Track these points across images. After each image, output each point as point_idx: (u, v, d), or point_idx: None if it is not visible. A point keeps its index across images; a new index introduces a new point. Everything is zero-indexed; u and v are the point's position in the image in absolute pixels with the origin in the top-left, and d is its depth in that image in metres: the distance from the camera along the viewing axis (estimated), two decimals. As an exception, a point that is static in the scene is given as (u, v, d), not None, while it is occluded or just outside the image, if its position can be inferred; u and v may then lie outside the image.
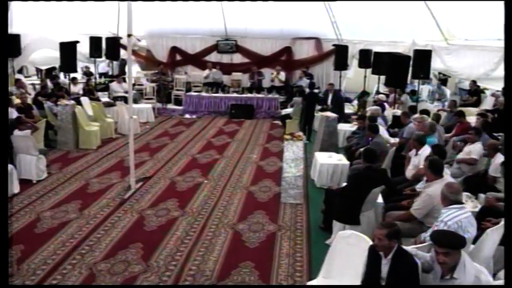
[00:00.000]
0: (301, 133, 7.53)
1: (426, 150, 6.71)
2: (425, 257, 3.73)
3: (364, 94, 14.91)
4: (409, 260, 3.60)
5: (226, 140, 11.67)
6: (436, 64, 13.07)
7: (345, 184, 6.51)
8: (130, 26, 7.36)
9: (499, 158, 6.58)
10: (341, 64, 14.93)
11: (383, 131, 8.45)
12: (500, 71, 13.11)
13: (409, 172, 6.82)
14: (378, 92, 14.10)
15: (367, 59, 14.54)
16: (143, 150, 10.46)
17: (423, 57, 11.81)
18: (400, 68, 11.43)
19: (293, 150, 7.34)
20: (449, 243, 3.39)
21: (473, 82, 13.71)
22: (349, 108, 14.05)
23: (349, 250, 4.21)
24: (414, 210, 5.12)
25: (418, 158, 6.73)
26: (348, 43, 15.25)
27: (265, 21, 15.59)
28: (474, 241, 4.47)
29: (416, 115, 9.45)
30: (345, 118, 12.08)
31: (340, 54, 14.90)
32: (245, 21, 15.96)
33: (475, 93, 13.43)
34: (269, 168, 9.25)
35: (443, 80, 16.27)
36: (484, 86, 13.88)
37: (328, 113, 9.96)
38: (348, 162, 8.16)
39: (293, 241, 6.01)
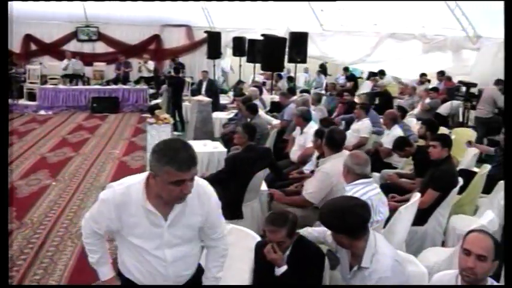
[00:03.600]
0: (167, 115, 6.23)
1: (312, 127, 5.85)
2: (326, 239, 2.83)
3: (239, 83, 14.03)
4: (311, 249, 2.78)
5: (85, 135, 9.92)
6: (312, 50, 12.65)
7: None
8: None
9: (396, 130, 6.00)
10: (214, 53, 13.88)
11: (262, 113, 7.49)
12: (376, 56, 13.14)
13: (294, 154, 5.93)
14: (253, 81, 13.34)
15: (241, 46, 13.69)
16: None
17: (299, 40, 11.22)
18: (277, 51, 10.67)
19: (159, 137, 6.03)
20: (340, 226, 2.44)
21: (345, 69, 13.61)
22: (224, 99, 13.06)
23: (230, 250, 3.07)
24: (308, 194, 4.16)
25: (304, 137, 5.86)
26: (220, 31, 14.27)
27: (130, 6, 13.88)
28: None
29: (295, 96, 8.76)
30: (220, 107, 11.07)
31: (212, 42, 13.84)
32: (108, 6, 14.02)
33: (351, 78, 13.22)
34: (134, 164, 7.82)
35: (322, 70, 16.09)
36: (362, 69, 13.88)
37: (200, 97, 8.80)
38: (225, 150, 7.07)
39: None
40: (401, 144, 5.04)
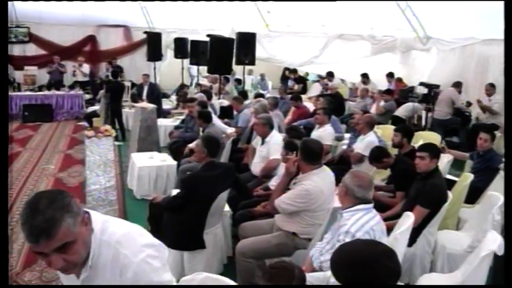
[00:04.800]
0: (109, 127, 5.41)
1: (274, 136, 5.26)
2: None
3: (183, 87, 13.23)
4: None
5: (16, 149, 8.76)
6: (258, 52, 12.11)
7: (175, 192, 4.64)
8: None
9: (371, 136, 5.52)
10: (154, 54, 12.98)
11: (217, 120, 6.80)
12: (324, 57, 12.80)
13: (256, 167, 5.29)
14: (198, 84, 12.64)
15: (183, 48, 12.91)
16: None
17: (247, 41, 10.62)
18: (224, 53, 10.02)
19: (99, 151, 5.23)
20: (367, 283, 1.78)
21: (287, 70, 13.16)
22: (167, 104, 12.24)
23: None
24: (282, 202, 3.55)
25: (266, 147, 5.24)
26: (160, 31, 13.41)
27: (63, 4, 12.66)
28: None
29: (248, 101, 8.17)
30: (163, 114, 10.27)
31: (152, 44, 12.92)
32: (39, 4, 12.69)
33: (300, 80, 12.78)
34: (71, 181, 6.85)
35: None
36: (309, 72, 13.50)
37: (144, 104, 7.96)
38: (174, 162, 6.33)
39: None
40: (378, 155, 4.50)
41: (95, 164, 5.19)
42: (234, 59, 10.55)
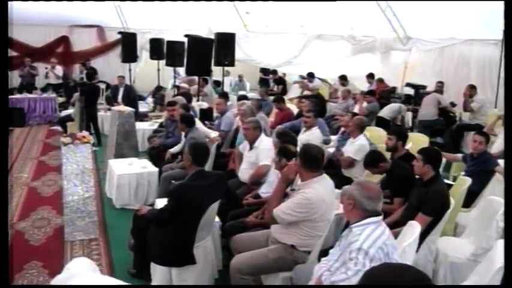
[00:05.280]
0: (86, 133, 5.07)
1: (264, 141, 5.02)
2: None
3: (159, 89, 12.87)
4: None
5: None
6: (236, 53, 11.86)
7: (160, 202, 4.37)
8: None
9: (362, 139, 5.34)
10: (129, 55, 12.57)
11: (200, 124, 6.52)
12: (303, 58, 12.64)
13: (244, 173, 5.04)
14: (175, 86, 12.29)
15: (159, 49, 12.53)
16: None
17: (226, 41, 10.34)
18: (203, 53, 9.72)
19: (77, 160, 4.88)
20: None
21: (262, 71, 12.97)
22: (144, 106, 11.90)
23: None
24: (281, 211, 3.31)
25: (255, 153, 4.99)
26: (135, 31, 13.00)
27: (35, 3, 12.12)
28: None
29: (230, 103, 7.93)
30: (140, 117, 9.95)
31: (127, 45, 12.50)
32: (9, 3, 12.14)
33: (280, 81, 12.58)
34: (46, 190, 6.48)
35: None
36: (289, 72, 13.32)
37: (121, 107, 7.62)
38: (155, 169, 6.04)
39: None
40: (374, 160, 4.30)
41: (72, 173, 4.82)
42: (213, 60, 10.27)
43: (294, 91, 12.18)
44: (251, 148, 5.04)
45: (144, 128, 8.55)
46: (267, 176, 4.70)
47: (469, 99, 8.28)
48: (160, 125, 8.48)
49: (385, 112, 8.87)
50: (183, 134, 6.23)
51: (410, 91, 9.70)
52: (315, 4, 11.33)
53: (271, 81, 13.75)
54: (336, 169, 5.50)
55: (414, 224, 3.26)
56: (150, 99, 12.86)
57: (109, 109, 10.03)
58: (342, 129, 6.50)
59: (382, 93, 10.22)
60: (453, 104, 8.62)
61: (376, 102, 9.23)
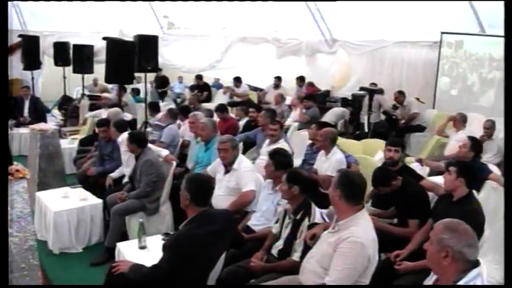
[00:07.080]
0: (21, 166, 3.91)
1: (243, 161, 4.29)
2: None
3: (68, 100, 11.43)
4: None
5: None
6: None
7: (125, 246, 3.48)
8: None
9: (338, 154, 4.77)
10: (32, 62, 11.03)
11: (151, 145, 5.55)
12: (227, 62, 12.01)
13: (220, 200, 4.21)
14: (84, 95, 11.00)
15: (64, 54, 11.15)
16: None
17: (148, 44, 9.34)
18: (124, 58, 8.65)
19: (10, 201, 3.76)
20: None
21: (198, 77, 12.15)
22: (50, 120, 10.44)
23: None
24: (337, 275, 2.58)
25: (235, 176, 4.21)
26: (37, 34, 11.46)
27: None
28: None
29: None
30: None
31: (29, 50, 10.95)
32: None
33: (204, 88, 11.80)
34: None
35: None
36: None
37: (42, 125, 6.40)
38: (98, 201, 5.00)
39: None
40: (385, 178, 3.72)
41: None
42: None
43: (220, 97, 11.45)
44: (228, 171, 4.26)
45: (67, 146, 7.31)
46: (253, 203, 3.98)
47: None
48: (81, 143, 7.38)
49: (329, 117, 8.50)
50: (124, 156, 5.30)
51: (346, 94, 9.53)
52: (237, 5, 10.77)
53: (181, 86, 12.91)
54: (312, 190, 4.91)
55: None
56: (55, 111, 11.42)
57: (16, 126, 8.64)
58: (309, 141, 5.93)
59: (316, 97, 9.86)
60: (395, 107, 8.49)
61: (316, 107, 8.83)
